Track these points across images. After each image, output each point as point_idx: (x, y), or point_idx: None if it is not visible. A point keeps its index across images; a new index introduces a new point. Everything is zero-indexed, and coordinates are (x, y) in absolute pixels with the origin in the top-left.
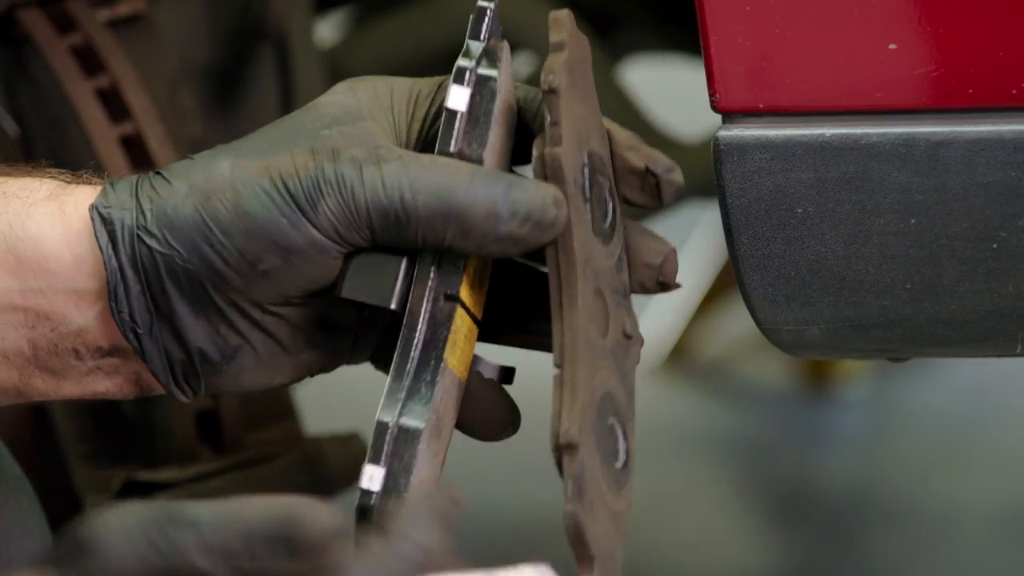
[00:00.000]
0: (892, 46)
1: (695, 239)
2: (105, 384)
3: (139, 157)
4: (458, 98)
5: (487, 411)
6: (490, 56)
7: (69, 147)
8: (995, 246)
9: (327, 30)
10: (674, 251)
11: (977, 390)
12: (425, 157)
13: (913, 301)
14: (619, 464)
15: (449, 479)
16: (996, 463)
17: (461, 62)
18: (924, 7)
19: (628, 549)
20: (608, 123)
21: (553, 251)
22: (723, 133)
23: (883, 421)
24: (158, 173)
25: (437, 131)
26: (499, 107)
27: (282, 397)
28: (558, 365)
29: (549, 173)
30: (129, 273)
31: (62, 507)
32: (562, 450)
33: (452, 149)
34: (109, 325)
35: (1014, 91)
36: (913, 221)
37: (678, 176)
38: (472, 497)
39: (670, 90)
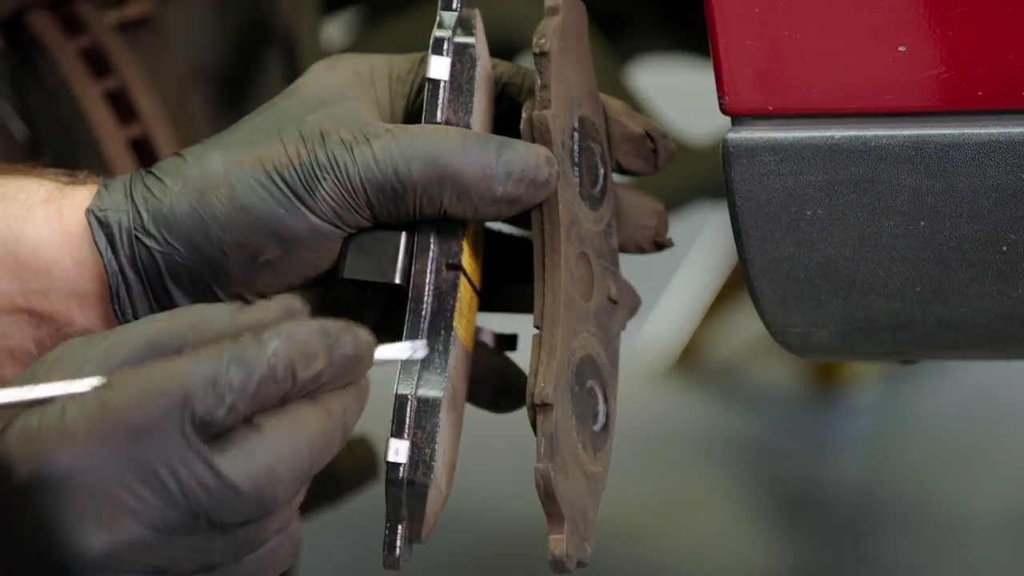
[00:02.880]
0: (902, 48)
1: (704, 241)
2: None
3: (147, 159)
4: (439, 68)
5: (493, 380)
6: (464, 25)
7: (77, 149)
8: (1005, 249)
9: (335, 31)
10: (664, 209)
11: (986, 393)
12: (413, 127)
13: (922, 304)
14: (598, 426)
15: (455, 476)
16: (1006, 466)
17: (437, 32)
18: (934, 9)
19: (635, 552)
20: (602, 95)
21: (538, 214)
22: (732, 135)
23: (892, 424)
24: (149, 172)
25: (422, 105)
26: (480, 73)
27: None
28: (537, 326)
29: (536, 135)
30: (130, 274)
31: None
32: (536, 409)
33: (439, 119)
34: (113, 325)
35: None
36: (922, 224)
37: (671, 143)
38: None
39: (679, 92)
